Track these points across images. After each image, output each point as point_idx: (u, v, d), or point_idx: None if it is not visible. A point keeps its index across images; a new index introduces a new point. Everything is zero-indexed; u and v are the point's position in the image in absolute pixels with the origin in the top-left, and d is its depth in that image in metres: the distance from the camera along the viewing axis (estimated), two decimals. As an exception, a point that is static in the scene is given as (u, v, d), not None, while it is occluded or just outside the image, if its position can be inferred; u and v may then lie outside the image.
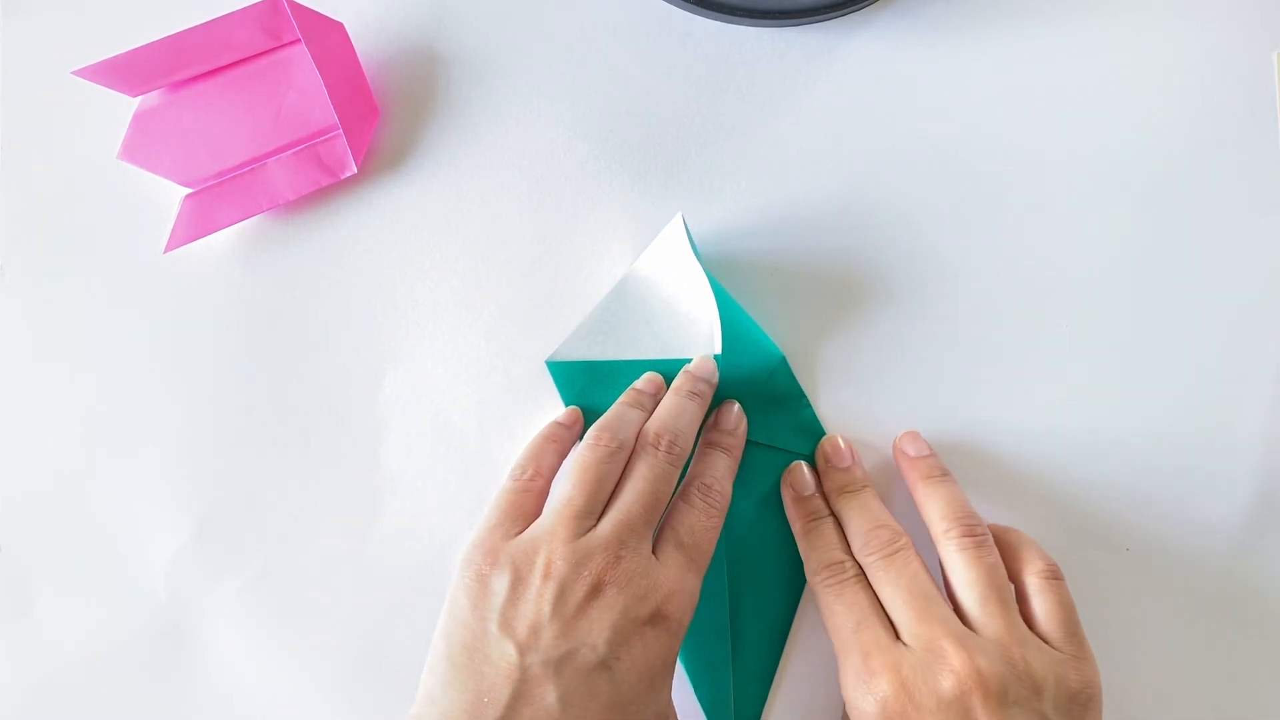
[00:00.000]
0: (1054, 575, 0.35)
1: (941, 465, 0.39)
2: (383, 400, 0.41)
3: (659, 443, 0.36)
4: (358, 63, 0.41)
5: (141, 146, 0.41)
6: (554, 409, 0.40)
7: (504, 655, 0.32)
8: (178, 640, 0.40)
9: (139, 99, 0.41)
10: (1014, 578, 0.36)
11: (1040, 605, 0.35)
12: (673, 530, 0.36)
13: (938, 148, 0.42)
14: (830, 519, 0.38)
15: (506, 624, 0.32)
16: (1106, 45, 0.42)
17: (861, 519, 0.37)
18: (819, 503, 0.39)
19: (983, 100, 0.42)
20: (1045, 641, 0.34)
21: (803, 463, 0.40)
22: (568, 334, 0.41)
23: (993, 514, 0.40)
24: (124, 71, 0.40)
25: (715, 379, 0.39)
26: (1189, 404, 0.40)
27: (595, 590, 0.32)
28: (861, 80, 0.42)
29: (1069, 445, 0.40)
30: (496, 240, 0.42)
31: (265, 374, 0.41)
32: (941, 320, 0.41)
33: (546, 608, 0.32)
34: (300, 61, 0.41)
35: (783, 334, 0.41)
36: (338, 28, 0.41)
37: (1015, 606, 0.34)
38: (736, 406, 0.40)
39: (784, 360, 0.40)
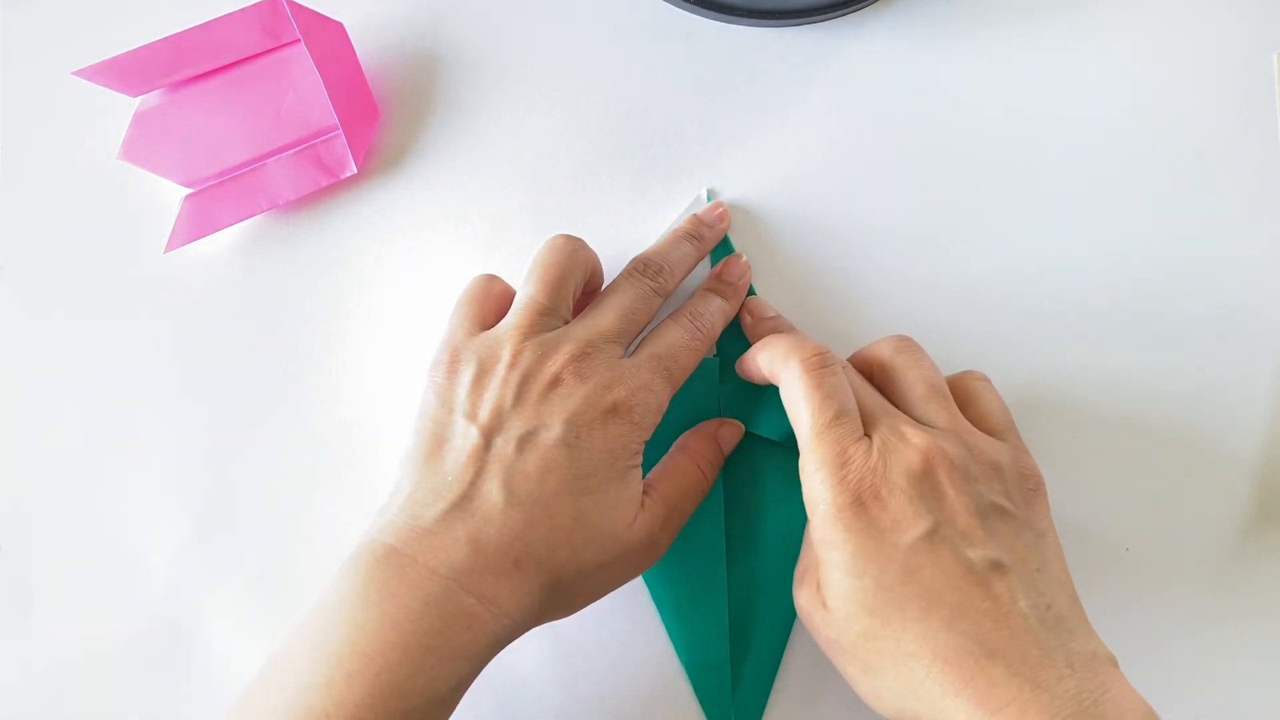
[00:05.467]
0: (985, 378, 0.37)
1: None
2: (383, 400, 0.41)
3: (645, 269, 0.37)
4: (358, 63, 0.41)
5: (141, 146, 0.41)
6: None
7: (468, 437, 0.32)
8: (178, 639, 0.40)
9: (139, 99, 0.41)
10: (952, 385, 0.36)
11: (980, 405, 0.36)
12: (651, 342, 0.36)
13: (938, 148, 0.42)
14: None
15: (471, 410, 0.33)
16: (1106, 45, 0.42)
17: (796, 335, 0.38)
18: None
19: (982, 101, 0.42)
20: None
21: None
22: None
23: (993, 514, 0.40)
24: (124, 71, 0.40)
25: (722, 225, 0.40)
26: (1188, 404, 0.40)
27: (557, 379, 0.33)
28: (861, 80, 0.42)
29: (1069, 444, 0.40)
30: (497, 240, 0.42)
31: (265, 374, 0.41)
32: (939, 318, 0.41)
33: (510, 394, 0.33)
34: (300, 61, 0.41)
35: (783, 334, 0.41)
36: (338, 28, 0.41)
37: (955, 405, 0.35)
38: (744, 260, 0.40)
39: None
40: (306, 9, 0.40)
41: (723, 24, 0.42)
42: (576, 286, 0.36)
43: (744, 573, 0.39)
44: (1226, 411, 0.40)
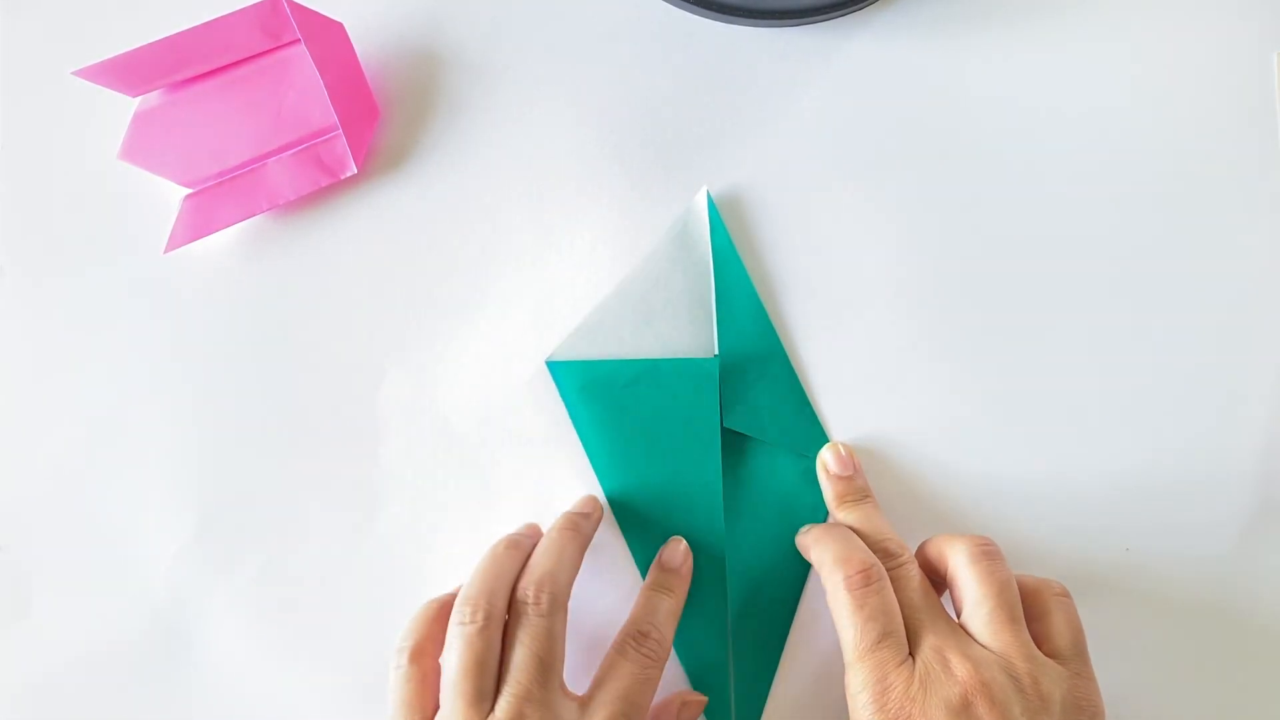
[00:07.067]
0: (1064, 594, 0.36)
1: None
2: (383, 400, 0.41)
3: (534, 598, 0.34)
4: (358, 63, 0.41)
5: (141, 146, 0.41)
6: (554, 409, 0.41)
7: None
8: (178, 640, 0.40)
9: (139, 99, 0.41)
10: (1027, 596, 0.35)
11: (1050, 623, 0.35)
12: (599, 686, 0.34)
13: (937, 148, 0.42)
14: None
15: None
16: (1106, 45, 0.42)
17: (863, 533, 0.37)
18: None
19: (982, 101, 0.42)
20: (1052, 658, 0.34)
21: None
22: (568, 334, 0.41)
23: (993, 514, 0.40)
24: (124, 71, 0.40)
25: (598, 514, 0.39)
26: (1188, 404, 0.40)
27: None
28: (861, 80, 0.42)
29: (1068, 445, 0.40)
30: (497, 240, 0.42)
31: (265, 374, 0.41)
32: (940, 320, 0.41)
33: None
34: (300, 61, 0.41)
35: (781, 335, 0.41)
36: (337, 28, 0.41)
37: (1024, 623, 0.34)
38: (683, 545, 0.39)
39: (785, 355, 0.40)
40: (306, 9, 0.40)
41: (723, 24, 0.42)
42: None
43: (744, 574, 0.39)
44: (1226, 411, 0.40)
